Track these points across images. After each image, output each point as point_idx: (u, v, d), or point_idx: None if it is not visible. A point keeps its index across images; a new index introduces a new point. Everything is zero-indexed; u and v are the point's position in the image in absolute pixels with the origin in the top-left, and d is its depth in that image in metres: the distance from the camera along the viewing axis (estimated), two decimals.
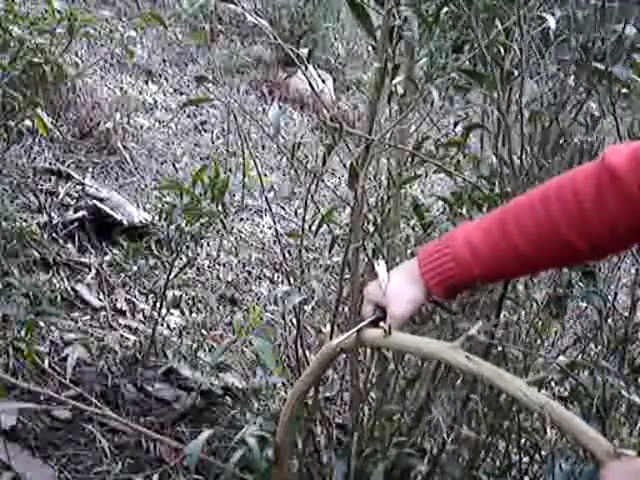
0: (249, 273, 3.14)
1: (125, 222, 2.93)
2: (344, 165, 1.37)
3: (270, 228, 3.45)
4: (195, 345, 2.45)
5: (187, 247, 2.34)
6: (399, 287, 1.15)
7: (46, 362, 2.19)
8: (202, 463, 1.74)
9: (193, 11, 4.86)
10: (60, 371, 2.19)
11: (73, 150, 3.43)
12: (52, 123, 3.24)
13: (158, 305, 2.44)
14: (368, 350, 1.65)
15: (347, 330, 1.19)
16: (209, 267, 3.06)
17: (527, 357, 1.51)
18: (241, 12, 1.45)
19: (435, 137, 1.63)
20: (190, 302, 2.80)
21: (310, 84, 1.44)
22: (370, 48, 1.49)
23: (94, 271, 2.72)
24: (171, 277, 2.38)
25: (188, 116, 4.24)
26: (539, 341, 1.67)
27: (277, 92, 4.81)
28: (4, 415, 1.91)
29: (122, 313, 2.62)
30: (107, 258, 2.82)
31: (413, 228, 1.67)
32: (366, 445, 1.52)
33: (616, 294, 1.68)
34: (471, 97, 1.63)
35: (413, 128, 1.62)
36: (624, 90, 1.47)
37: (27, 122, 2.84)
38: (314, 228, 1.58)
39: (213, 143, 4.03)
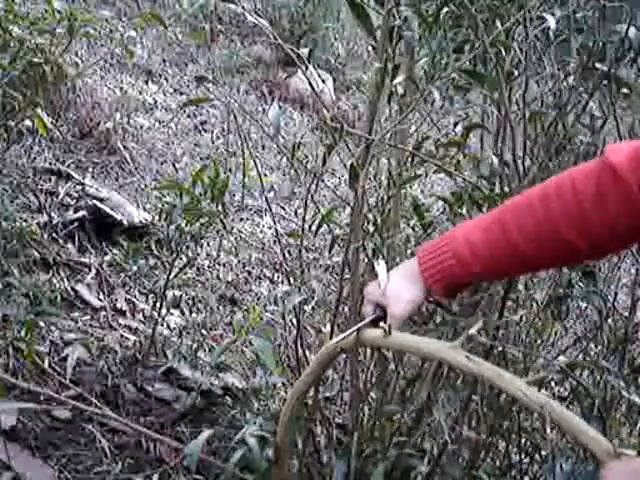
0: (249, 273, 3.14)
1: (125, 222, 2.93)
2: (344, 165, 1.37)
3: (270, 228, 3.45)
4: (195, 345, 2.45)
5: (187, 247, 2.34)
6: (399, 286, 1.15)
7: (46, 362, 2.19)
8: (202, 463, 1.74)
9: (193, 11, 4.86)
10: (60, 371, 2.19)
11: (73, 150, 3.43)
12: (52, 123, 3.24)
13: (158, 305, 2.44)
14: (368, 350, 1.65)
15: (347, 330, 1.19)
16: (209, 267, 3.06)
17: (527, 357, 1.51)
18: (241, 12, 1.45)
19: (435, 137, 1.63)
20: (190, 302, 2.80)
21: (310, 84, 1.44)
22: (370, 48, 1.49)
23: (94, 271, 2.72)
24: (171, 277, 2.38)
25: (188, 116, 4.24)
26: (539, 341, 1.67)
27: (277, 92, 4.81)
28: (4, 415, 1.91)
29: (122, 313, 2.62)
30: (107, 258, 2.82)
31: (413, 228, 1.67)
32: (366, 445, 1.52)
33: (616, 294, 1.68)
34: (471, 97, 1.63)
35: (413, 128, 1.62)
36: (624, 90, 1.47)
37: (27, 122, 2.84)
38: (314, 228, 1.58)
39: (213, 143, 4.03)
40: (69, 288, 2.58)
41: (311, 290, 2.84)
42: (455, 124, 1.69)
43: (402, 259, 1.53)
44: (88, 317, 2.52)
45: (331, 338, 1.38)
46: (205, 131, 4.16)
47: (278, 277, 3.14)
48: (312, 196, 1.51)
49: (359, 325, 1.17)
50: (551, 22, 1.41)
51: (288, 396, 1.27)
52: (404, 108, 1.53)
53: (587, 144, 1.48)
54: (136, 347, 2.43)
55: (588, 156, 1.47)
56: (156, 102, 4.22)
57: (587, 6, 1.47)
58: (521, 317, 1.55)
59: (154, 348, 2.41)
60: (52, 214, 2.88)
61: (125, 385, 2.24)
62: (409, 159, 1.59)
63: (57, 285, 2.56)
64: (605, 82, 1.44)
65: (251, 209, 3.58)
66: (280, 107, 1.51)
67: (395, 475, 1.51)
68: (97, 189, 3.10)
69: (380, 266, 1.19)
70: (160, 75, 4.57)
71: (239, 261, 3.18)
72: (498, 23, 1.42)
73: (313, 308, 2.85)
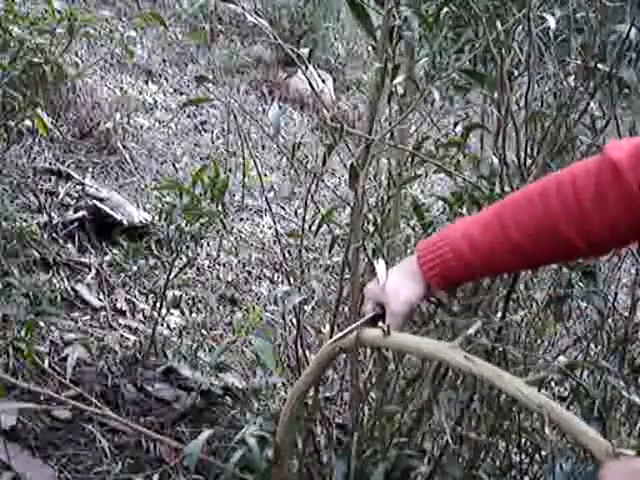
0: (249, 273, 3.14)
1: (125, 222, 2.93)
2: (344, 165, 1.37)
3: (270, 228, 3.45)
4: (195, 345, 2.45)
5: (187, 247, 2.34)
6: (398, 284, 1.15)
7: (46, 362, 2.19)
8: (202, 463, 1.74)
9: (193, 11, 4.86)
10: (60, 371, 2.19)
11: (73, 150, 3.43)
12: (52, 123, 3.24)
13: (158, 305, 2.44)
14: (368, 350, 1.65)
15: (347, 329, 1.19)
16: (209, 267, 3.06)
17: (527, 358, 1.51)
18: (241, 12, 1.45)
19: (435, 137, 1.63)
20: (190, 302, 2.80)
21: (310, 84, 1.44)
22: (370, 48, 1.49)
23: (94, 271, 2.72)
24: (171, 277, 2.38)
25: (188, 116, 4.24)
26: (539, 341, 1.67)
27: (277, 92, 4.81)
28: (4, 415, 1.91)
29: (122, 313, 2.62)
30: (107, 258, 2.82)
31: (413, 228, 1.67)
32: (366, 445, 1.52)
33: (616, 294, 1.68)
34: (471, 97, 1.63)
35: (413, 128, 1.62)
36: (624, 90, 1.47)
37: (27, 122, 2.84)
38: (314, 228, 1.58)
39: (213, 143, 4.03)
40: (69, 288, 2.58)
41: (311, 290, 2.84)
42: (455, 124, 1.69)
43: (402, 259, 1.52)
44: (88, 317, 2.52)
45: (331, 338, 1.38)
46: (205, 131, 4.16)
47: (278, 277, 3.14)
48: (312, 196, 1.51)
49: (358, 323, 1.17)
50: (551, 22, 1.41)
51: (288, 396, 1.27)
52: (404, 108, 1.53)
53: (588, 145, 1.48)
54: (136, 347, 2.43)
55: (589, 156, 1.47)
56: (156, 102, 4.22)
57: (587, 6, 1.47)
58: (523, 318, 1.55)
59: (154, 348, 2.41)
60: (52, 214, 2.88)
61: (125, 385, 2.24)
62: (409, 159, 1.60)
63: (57, 285, 2.56)
64: (606, 82, 1.44)
65: (251, 209, 3.58)
66: (280, 107, 1.51)
67: (395, 475, 1.51)
68: (97, 189, 3.10)
69: (379, 265, 1.19)
70: (160, 75, 4.57)
71: (239, 261, 3.18)
72: (498, 23, 1.42)
73: (313, 308, 2.85)
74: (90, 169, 3.35)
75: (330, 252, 1.71)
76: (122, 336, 2.48)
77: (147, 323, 2.57)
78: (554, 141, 1.45)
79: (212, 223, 2.25)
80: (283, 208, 3.69)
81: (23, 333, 2.03)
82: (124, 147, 3.57)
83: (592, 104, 1.46)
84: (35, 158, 3.23)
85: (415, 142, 1.59)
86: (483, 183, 1.48)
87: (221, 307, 2.84)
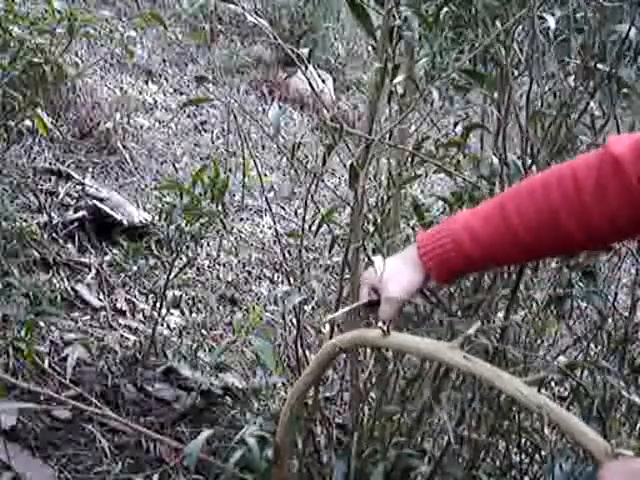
0: (249, 273, 3.14)
1: (125, 222, 2.93)
2: (344, 165, 1.37)
3: (270, 228, 3.45)
4: (195, 345, 2.45)
5: (187, 247, 2.34)
6: (397, 271, 1.14)
7: (46, 362, 2.19)
8: (202, 463, 1.74)
9: (193, 11, 4.86)
10: (60, 371, 2.19)
11: (73, 150, 3.43)
12: (52, 123, 3.24)
13: (158, 305, 2.44)
14: (368, 350, 1.65)
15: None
16: (209, 267, 3.06)
17: (527, 358, 1.51)
18: (241, 12, 1.45)
19: (435, 137, 1.63)
20: (190, 302, 2.80)
21: (310, 84, 1.44)
22: (370, 48, 1.49)
23: (94, 271, 2.72)
24: (171, 277, 2.38)
25: (188, 116, 4.24)
26: (539, 341, 1.67)
27: (277, 92, 4.81)
28: (4, 415, 1.91)
29: (122, 313, 2.62)
30: (107, 258, 2.82)
31: (413, 228, 1.67)
32: (366, 445, 1.52)
33: (616, 294, 1.68)
34: (471, 97, 1.63)
35: (413, 128, 1.62)
36: (624, 90, 1.47)
37: (27, 122, 2.84)
38: (314, 228, 1.58)
39: (213, 143, 4.03)
40: (69, 288, 2.58)
41: (311, 290, 2.84)
42: (455, 124, 1.69)
43: None
44: (88, 317, 2.52)
45: (331, 338, 1.38)
46: (205, 131, 4.16)
47: (278, 277, 3.14)
48: (312, 196, 1.50)
49: (353, 306, 1.17)
50: (551, 22, 1.41)
51: (288, 396, 1.27)
52: (404, 108, 1.53)
53: (588, 144, 1.48)
54: (136, 347, 2.43)
55: None
56: (156, 102, 4.22)
57: (587, 6, 1.47)
58: (523, 318, 1.55)
59: (154, 348, 2.41)
60: (52, 214, 2.88)
61: (125, 385, 2.24)
62: (409, 159, 1.60)
63: (57, 285, 2.56)
64: (606, 82, 1.44)
65: (251, 209, 3.58)
66: (280, 107, 1.51)
67: (395, 475, 1.51)
68: (97, 189, 3.10)
69: (377, 258, 1.19)
70: (160, 75, 4.57)
71: (239, 261, 3.18)
72: (498, 23, 1.42)
73: (313, 308, 2.85)
74: (90, 169, 3.35)
75: (330, 252, 1.71)
76: (122, 336, 2.48)
77: (147, 323, 2.57)
78: (554, 141, 1.45)
79: (212, 223, 2.25)
80: (283, 208, 3.69)
81: (23, 333, 2.03)
82: (124, 147, 3.57)
83: (592, 104, 1.46)
84: (35, 158, 3.23)
85: (415, 142, 1.59)
86: (483, 183, 1.48)
87: (221, 307, 2.84)
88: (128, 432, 2.05)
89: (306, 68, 1.39)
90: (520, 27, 1.44)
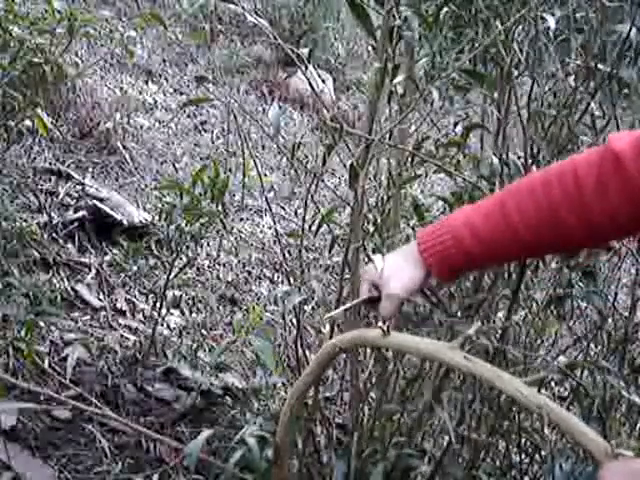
0: (249, 273, 3.14)
1: (125, 222, 2.93)
2: (344, 165, 1.37)
3: (270, 228, 3.45)
4: (195, 345, 2.45)
5: (187, 247, 2.34)
6: (398, 268, 1.14)
7: (46, 362, 2.19)
8: (202, 463, 1.74)
9: (193, 11, 4.86)
10: (60, 371, 2.19)
11: (73, 150, 3.43)
12: (52, 123, 3.24)
13: (158, 305, 2.44)
14: (368, 350, 1.65)
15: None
16: (209, 267, 3.06)
17: (527, 358, 1.51)
18: (241, 12, 1.45)
19: (435, 137, 1.63)
20: (190, 302, 2.80)
21: (310, 84, 1.44)
22: (370, 48, 1.49)
23: (94, 271, 2.72)
24: (171, 277, 2.38)
25: (188, 116, 4.24)
26: (539, 341, 1.67)
27: (277, 92, 4.81)
28: (4, 415, 1.91)
29: (122, 313, 2.62)
30: (107, 258, 2.82)
31: (413, 228, 1.67)
32: (366, 445, 1.52)
33: (616, 294, 1.68)
34: (471, 97, 1.63)
35: (413, 128, 1.62)
36: (625, 90, 1.47)
37: (27, 122, 2.84)
38: (314, 228, 1.58)
39: (213, 143, 4.03)
40: (69, 288, 2.58)
41: (311, 290, 2.84)
42: (455, 124, 1.69)
43: None
44: (88, 317, 2.52)
45: (331, 338, 1.38)
46: (205, 131, 4.16)
47: (278, 277, 3.14)
48: (312, 196, 1.50)
49: (353, 302, 1.17)
50: (551, 22, 1.41)
51: (288, 396, 1.27)
52: (404, 108, 1.53)
53: (589, 144, 1.48)
54: (136, 347, 2.43)
55: None
56: (156, 102, 4.22)
57: (587, 6, 1.47)
58: (524, 318, 1.55)
59: (154, 348, 2.41)
60: (52, 214, 2.88)
61: (125, 385, 2.24)
62: (409, 159, 1.59)
63: (57, 285, 2.56)
64: (606, 82, 1.44)
65: (251, 209, 3.58)
66: (280, 107, 1.51)
67: (395, 475, 1.51)
68: (97, 189, 3.10)
69: (377, 257, 1.19)
70: (160, 75, 4.57)
71: (239, 261, 3.18)
72: (498, 23, 1.42)
73: (313, 308, 2.85)
74: (90, 169, 3.35)
75: (330, 252, 1.70)
76: (122, 336, 2.48)
77: (147, 323, 2.57)
78: (555, 141, 1.45)
79: (212, 223, 2.25)
80: (283, 208, 3.69)
81: (23, 333, 2.03)
82: (124, 147, 3.57)
83: (592, 104, 1.46)
84: (35, 158, 3.23)
85: (415, 142, 1.58)
86: (483, 183, 1.48)
87: (221, 307, 2.84)
88: (128, 432, 2.05)
89: (306, 68, 1.39)
90: (520, 27, 1.44)
